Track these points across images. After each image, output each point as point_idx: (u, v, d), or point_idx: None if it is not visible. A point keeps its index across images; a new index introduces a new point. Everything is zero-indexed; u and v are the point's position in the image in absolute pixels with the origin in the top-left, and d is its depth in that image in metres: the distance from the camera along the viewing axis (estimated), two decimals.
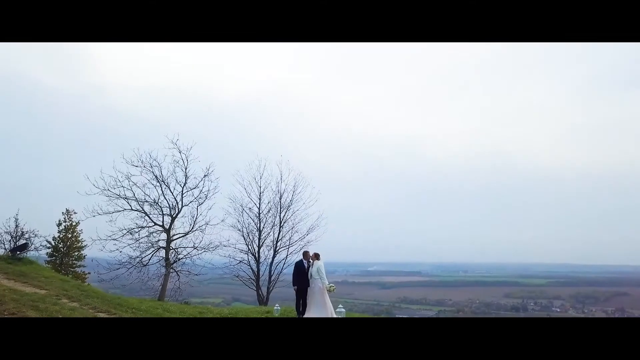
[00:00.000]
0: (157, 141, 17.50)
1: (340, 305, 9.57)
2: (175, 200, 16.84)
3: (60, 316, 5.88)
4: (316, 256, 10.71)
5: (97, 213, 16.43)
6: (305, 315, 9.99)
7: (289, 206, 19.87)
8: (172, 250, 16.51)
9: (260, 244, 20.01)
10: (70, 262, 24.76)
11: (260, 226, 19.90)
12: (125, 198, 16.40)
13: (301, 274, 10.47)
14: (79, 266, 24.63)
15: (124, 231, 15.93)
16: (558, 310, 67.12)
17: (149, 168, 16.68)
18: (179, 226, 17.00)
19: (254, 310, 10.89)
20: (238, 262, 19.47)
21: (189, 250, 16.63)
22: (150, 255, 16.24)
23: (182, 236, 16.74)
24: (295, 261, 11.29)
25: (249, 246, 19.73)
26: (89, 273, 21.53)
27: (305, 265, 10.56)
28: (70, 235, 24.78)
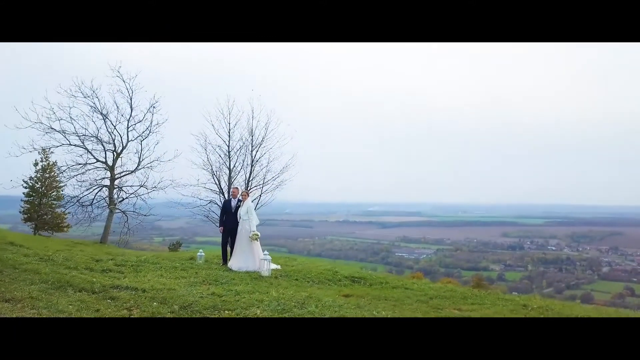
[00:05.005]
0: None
1: (265, 252, 8.14)
2: (119, 134, 15.06)
3: None
4: (247, 194, 9.10)
5: (33, 148, 14.90)
6: (230, 262, 8.66)
7: (261, 144, 18.46)
8: (116, 189, 15.07)
9: (231, 182, 18.97)
10: (49, 203, 23.92)
11: (230, 165, 18.70)
12: (62, 132, 14.65)
13: (228, 215, 8.97)
14: (58, 206, 23.84)
15: (60, 169, 14.42)
16: (554, 248, 67.91)
17: (90, 98, 14.72)
18: (127, 163, 15.44)
19: (179, 257, 9.56)
20: (208, 202, 18.64)
21: (135, 188, 15.18)
22: (92, 195, 14.86)
23: (128, 174, 15.20)
24: (224, 200, 9.79)
25: (218, 186, 18.74)
26: (69, 213, 20.69)
27: (234, 204, 9.00)
28: (47, 175, 23.70)
